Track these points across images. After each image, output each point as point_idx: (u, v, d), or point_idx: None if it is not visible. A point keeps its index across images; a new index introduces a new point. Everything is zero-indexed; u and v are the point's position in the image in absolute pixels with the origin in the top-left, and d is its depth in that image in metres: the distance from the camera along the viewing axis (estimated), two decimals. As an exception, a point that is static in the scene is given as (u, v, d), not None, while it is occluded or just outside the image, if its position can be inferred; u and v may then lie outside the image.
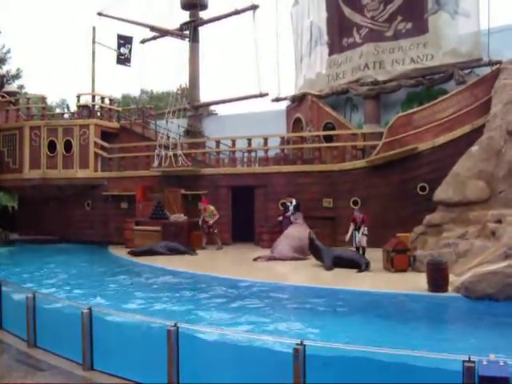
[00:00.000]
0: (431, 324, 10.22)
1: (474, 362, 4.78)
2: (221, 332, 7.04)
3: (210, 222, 20.97)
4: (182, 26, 30.81)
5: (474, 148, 15.29)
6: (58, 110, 45.63)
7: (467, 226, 14.35)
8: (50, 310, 8.92)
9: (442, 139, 18.47)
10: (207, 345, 6.80)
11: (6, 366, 8.05)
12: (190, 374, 6.27)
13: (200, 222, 21.20)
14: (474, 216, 14.43)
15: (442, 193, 15.33)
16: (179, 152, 23.35)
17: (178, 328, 6.32)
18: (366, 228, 16.67)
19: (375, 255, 15.59)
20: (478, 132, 16.42)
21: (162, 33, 31.42)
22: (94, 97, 27.90)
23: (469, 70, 20.95)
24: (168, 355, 6.30)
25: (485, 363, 4.80)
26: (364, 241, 16.70)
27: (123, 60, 30.28)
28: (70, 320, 8.03)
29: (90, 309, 7.51)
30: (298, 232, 18.33)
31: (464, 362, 4.79)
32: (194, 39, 30.65)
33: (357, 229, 16.67)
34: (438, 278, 11.82)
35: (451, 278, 12.01)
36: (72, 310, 8.31)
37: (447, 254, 13.30)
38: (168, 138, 24.96)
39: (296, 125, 25.65)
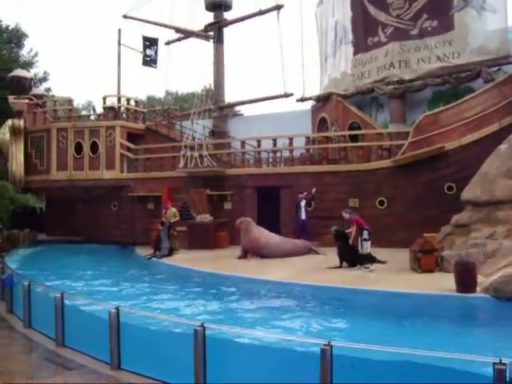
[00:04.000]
0: (461, 325, 10.08)
1: (505, 364, 4.66)
2: (247, 332, 7.03)
3: (173, 220, 20.69)
4: (206, 27, 30.99)
5: (503, 146, 15.01)
6: (84, 112, 46.16)
7: (495, 225, 14.08)
8: (78, 310, 9.02)
9: (469, 138, 18.23)
10: (234, 345, 6.80)
11: (34, 365, 8.18)
12: (218, 374, 6.26)
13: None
14: (502, 216, 14.16)
15: (470, 192, 15.07)
16: (205, 153, 23.37)
17: (204, 328, 6.31)
18: (365, 232, 15.13)
19: (402, 256, 15.42)
20: (506, 130, 16.17)
21: (187, 34, 31.55)
22: (119, 98, 28.11)
23: (497, 68, 20.71)
24: (195, 355, 6.30)
25: (516, 365, 4.71)
26: (366, 247, 15.10)
27: (149, 61, 30.54)
28: (97, 319, 8.11)
29: (117, 308, 7.56)
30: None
31: (495, 364, 4.68)
32: (219, 40, 30.74)
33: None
34: (466, 278, 11.63)
35: (479, 278, 11.81)
36: (100, 310, 8.40)
37: (475, 255, 13.06)
38: (193, 138, 25.03)
39: (321, 125, 25.54)
